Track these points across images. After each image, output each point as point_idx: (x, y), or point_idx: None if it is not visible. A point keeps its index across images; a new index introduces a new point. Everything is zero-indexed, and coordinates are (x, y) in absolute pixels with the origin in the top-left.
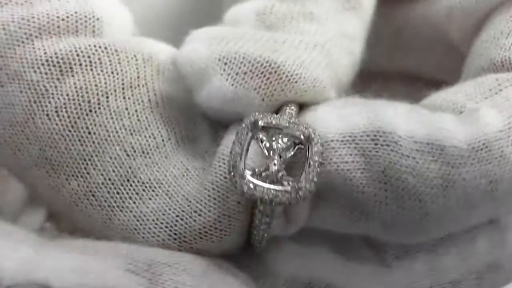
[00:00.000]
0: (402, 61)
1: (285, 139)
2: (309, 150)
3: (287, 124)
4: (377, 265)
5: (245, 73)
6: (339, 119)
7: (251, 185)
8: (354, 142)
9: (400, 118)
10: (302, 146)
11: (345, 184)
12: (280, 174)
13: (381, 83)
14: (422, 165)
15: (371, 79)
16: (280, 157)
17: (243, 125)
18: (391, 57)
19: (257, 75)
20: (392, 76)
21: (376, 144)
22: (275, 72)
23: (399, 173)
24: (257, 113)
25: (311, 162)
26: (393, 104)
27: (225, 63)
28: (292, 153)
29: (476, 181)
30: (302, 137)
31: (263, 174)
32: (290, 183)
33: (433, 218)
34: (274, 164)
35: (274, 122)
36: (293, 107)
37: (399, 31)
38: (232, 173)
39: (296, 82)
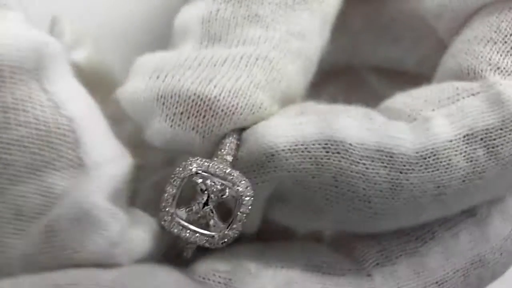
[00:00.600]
0: (388, 53)
1: (219, 183)
2: (239, 202)
3: (223, 175)
4: (357, 275)
5: (182, 113)
6: (291, 129)
7: (180, 227)
8: (306, 150)
9: (351, 126)
10: (234, 194)
11: (297, 186)
12: (208, 214)
13: (356, 76)
14: (372, 171)
15: (346, 71)
16: (211, 198)
17: (180, 169)
18: (377, 49)
19: (193, 115)
20: (371, 69)
21: (327, 152)
22: (210, 108)
23: (350, 178)
24: (195, 160)
25: (239, 214)
26: (346, 111)
27: (163, 103)
28: (224, 196)
29: (423, 186)
30: (235, 189)
31: (193, 210)
32: (217, 228)
33: (382, 216)
34: (204, 203)
35: (210, 170)
36: (233, 138)
37: (391, 23)
38: (162, 214)
39: (233, 113)
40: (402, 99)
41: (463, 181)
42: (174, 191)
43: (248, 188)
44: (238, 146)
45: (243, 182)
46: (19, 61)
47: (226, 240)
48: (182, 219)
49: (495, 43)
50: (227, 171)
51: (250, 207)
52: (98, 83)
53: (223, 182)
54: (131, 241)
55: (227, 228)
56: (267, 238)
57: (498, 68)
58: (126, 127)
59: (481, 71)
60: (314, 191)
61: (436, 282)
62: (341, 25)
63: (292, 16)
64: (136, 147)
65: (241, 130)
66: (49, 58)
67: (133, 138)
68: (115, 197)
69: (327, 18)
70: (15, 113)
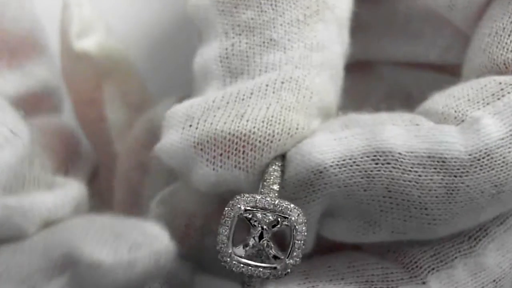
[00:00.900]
0: (410, 49)
1: (270, 215)
2: (294, 231)
3: (272, 207)
4: (410, 284)
5: (221, 154)
6: (337, 144)
7: (241, 266)
8: (355, 164)
9: (398, 134)
10: (288, 224)
11: (349, 201)
12: (265, 246)
13: (371, 69)
14: (425, 178)
15: (360, 65)
16: (265, 229)
17: (229, 209)
18: (398, 46)
19: (232, 153)
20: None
21: (376, 164)
22: (248, 143)
23: (403, 187)
24: (242, 197)
25: (296, 242)
26: (391, 120)
27: (201, 149)
28: (278, 228)
29: (480, 187)
30: (288, 219)
31: (250, 245)
32: (277, 259)
33: (440, 222)
34: (259, 237)
35: (259, 205)
36: (276, 166)
37: (407, 20)
38: (221, 255)
39: (271, 142)
40: (443, 101)
41: None
42: (227, 232)
43: (300, 215)
44: (283, 173)
45: (294, 210)
46: None
47: (288, 270)
48: (241, 257)
49: None
50: (276, 202)
51: (305, 234)
52: (113, 69)
53: (274, 214)
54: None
55: (287, 257)
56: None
57: None
58: (146, 116)
59: None
60: (367, 204)
61: (494, 280)
62: (354, 24)
63: (307, 31)
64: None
65: (283, 156)
66: None
67: (144, 136)
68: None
69: (343, 23)
70: None
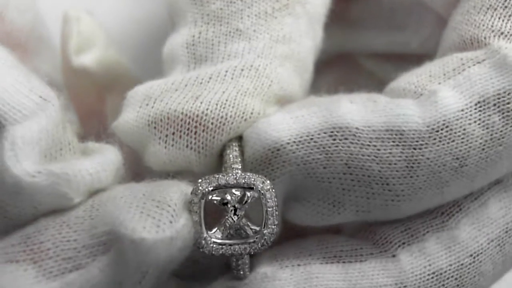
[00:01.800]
0: (392, 40)
1: (236, 189)
2: (264, 199)
3: (235, 182)
4: (380, 258)
5: (173, 133)
6: (293, 121)
7: (219, 247)
8: (312, 140)
9: (355, 109)
10: (256, 193)
11: (310, 179)
12: (241, 223)
13: (353, 63)
14: (384, 152)
15: (341, 60)
16: (237, 206)
17: (193, 194)
18: (380, 37)
19: (184, 133)
20: (368, 55)
21: (334, 140)
22: (200, 124)
23: (362, 162)
24: (204, 180)
25: (268, 209)
26: (348, 98)
27: (154, 127)
28: (248, 201)
29: (441, 159)
30: (255, 189)
31: (227, 227)
32: (253, 231)
33: (403, 198)
34: (232, 217)
35: (221, 182)
36: (234, 146)
37: (391, 12)
38: (197, 242)
39: (224, 124)
40: (406, 79)
41: (483, 149)
42: (197, 218)
43: (265, 182)
44: (242, 153)
45: (258, 179)
46: None
47: (265, 239)
48: (218, 239)
49: (495, 9)
50: (238, 176)
51: (276, 200)
52: (114, 82)
53: (240, 188)
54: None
55: (263, 227)
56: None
57: (502, 33)
58: None
59: (484, 38)
60: (329, 183)
61: (471, 255)
62: (337, 17)
63: (274, 24)
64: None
65: (240, 138)
66: None
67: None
68: (42, 152)
69: (315, 18)
70: None
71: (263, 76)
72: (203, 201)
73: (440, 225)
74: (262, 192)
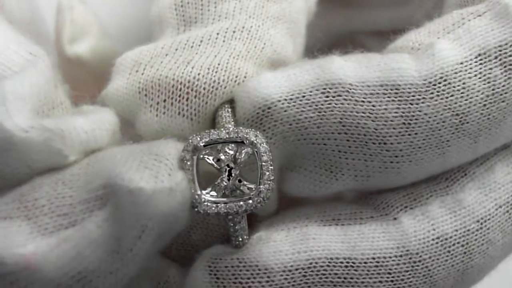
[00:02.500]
0: (396, 16)
1: (230, 148)
2: (257, 153)
3: (227, 136)
4: (381, 221)
5: (165, 100)
6: (284, 79)
7: (214, 206)
8: (304, 98)
9: (348, 66)
10: (250, 149)
11: (303, 141)
12: (236, 183)
13: (355, 43)
14: (379, 108)
15: (344, 41)
16: (231, 166)
17: (185, 151)
18: (384, 13)
19: (176, 99)
20: (370, 34)
21: (327, 97)
22: (192, 89)
23: (357, 119)
24: (195, 136)
25: (263, 164)
26: (341, 56)
27: (145, 95)
28: (242, 158)
29: (439, 115)
30: (247, 143)
31: (221, 187)
32: (250, 190)
33: (402, 159)
34: (228, 174)
35: (213, 137)
36: (226, 108)
37: None
38: (191, 201)
39: (216, 89)
40: (404, 37)
41: (484, 105)
42: (190, 176)
43: (258, 135)
44: (235, 117)
45: (251, 133)
46: None
47: (262, 195)
48: (212, 197)
49: None
50: (230, 130)
51: (270, 154)
52: (107, 72)
53: (233, 143)
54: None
55: (259, 183)
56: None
57: None
58: None
59: None
60: (323, 145)
61: (477, 221)
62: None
63: None
64: None
65: (233, 101)
66: None
67: None
68: (34, 109)
69: None
70: None
71: (255, 38)
72: (195, 157)
73: (444, 190)
74: (255, 145)
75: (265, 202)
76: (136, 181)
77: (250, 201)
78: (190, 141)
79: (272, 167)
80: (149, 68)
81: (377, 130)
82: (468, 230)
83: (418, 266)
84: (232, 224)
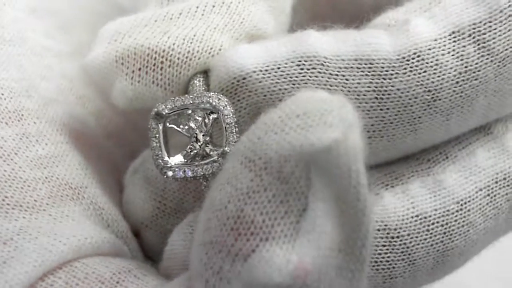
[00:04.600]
0: None
1: (199, 115)
2: (221, 115)
3: (191, 102)
4: None
5: (140, 68)
6: (260, 50)
7: (182, 170)
8: (280, 70)
9: (325, 40)
10: (216, 114)
11: None
12: (206, 149)
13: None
14: (353, 82)
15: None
16: (201, 133)
17: (151, 119)
18: None
19: (150, 68)
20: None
21: (302, 69)
22: (166, 59)
23: (330, 93)
24: (159, 104)
25: (227, 126)
26: (319, 31)
27: (122, 63)
28: (209, 123)
29: (411, 91)
30: (210, 106)
31: (191, 155)
32: (216, 153)
33: (374, 134)
34: (196, 141)
35: (178, 104)
36: (199, 77)
37: None
38: (159, 167)
39: (190, 59)
40: (382, 15)
41: (457, 82)
42: (156, 143)
43: (221, 99)
44: (208, 85)
45: (213, 96)
46: None
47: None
48: (180, 162)
49: None
50: (194, 96)
51: (234, 116)
52: None
53: (198, 109)
54: None
55: (224, 146)
56: None
57: None
58: None
59: None
60: None
61: (457, 202)
62: None
63: None
64: None
65: (206, 72)
66: None
67: None
68: None
69: None
70: None
71: (234, 13)
72: (161, 125)
73: (425, 171)
74: (218, 108)
75: None
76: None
77: (216, 164)
78: (155, 109)
79: (237, 129)
80: (127, 37)
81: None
82: (448, 211)
83: (396, 242)
84: (207, 190)
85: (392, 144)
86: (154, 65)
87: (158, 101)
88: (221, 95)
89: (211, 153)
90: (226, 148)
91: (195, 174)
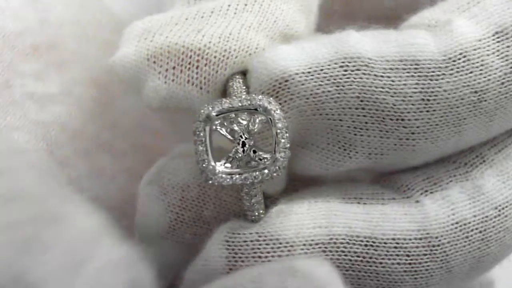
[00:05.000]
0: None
1: (243, 118)
2: (272, 120)
3: (240, 104)
4: (403, 203)
5: (174, 67)
6: (302, 52)
7: (229, 177)
8: (323, 72)
9: (366, 41)
10: (264, 117)
11: (319, 116)
12: (251, 154)
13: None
14: (399, 83)
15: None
16: (245, 137)
17: (197, 122)
18: None
19: (186, 67)
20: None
21: (345, 71)
22: (202, 57)
23: (376, 94)
24: (206, 106)
25: (278, 131)
26: (358, 31)
27: (154, 62)
28: (256, 127)
29: (458, 92)
30: (260, 110)
31: (236, 159)
32: (265, 159)
33: (419, 136)
34: (242, 145)
35: (226, 106)
36: (238, 78)
37: None
38: (205, 173)
39: (227, 58)
40: (418, 15)
41: (502, 83)
42: (203, 147)
43: (272, 102)
44: (246, 86)
45: (263, 99)
46: None
47: (278, 164)
48: (227, 169)
49: None
50: (243, 98)
51: (285, 121)
52: None
53: (246, 112)
54: None
55: (275, 152)
56: None
57: None
58: None
59: None
60: (339, 120)
61: (496, 208)
62: None
63: None
64: None
65: (243, 73)
66: None
67: None
68: None
69: None
70: None
71: (267, 12)
72: (208, 128)
73: (464, 175)
74: (269, 111)
75: (281, 171)
76: None
77: (266, 171)
78: (202, 111)
79: (287, 134)
80: (158, 35)
81: (396, 106)
82: (487, 217)
83: (436, 250)
84: (247, 198)
85: (435, 146)
86: (189, 63)
87: (193, 101)
88: (271, 98)
89: (256, 158)
90: (277, 155)
91: (244, 181)
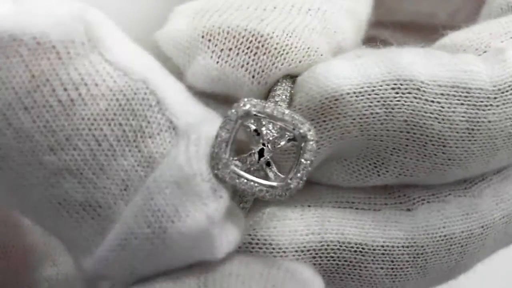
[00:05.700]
0: (419, 9)
1: (275, 128)
2: (303, 148)
3: (280, 117)
4: (394, 209)
5: (230, 49)
6: (354, 69)
7: (236, 177)
8: (374, 92)
9: (420, 62)
10: (296, 141)
11: (361, 138)
12: (264, 166)
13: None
14: (448, 109)
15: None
16: (268, 147)
17: (233, 111)
18: (407, 5)
19: (243, 51)
20: (403, 26)
21: (397, 93)
22: (262, 45)
23: (424, 119)
24: (249, 100)
25: (303, 161)
26: (408, 50)
27: (209, 40)
28: (282, 145)
29: (501, 124)
30: (297, 133)
31: (248, 161)
32: (277, 178)
33: (455, 163)
34: (259, 154)
35: (268, 111)
36: (287, 85)
37: None
38: (215, 161)
39: (287, 53)
40: (463, 35)
41: None
42: (227, 135)
43: (312, 131)
44: (292, 96)
45: (306, 124)
46: (68, 34)
47: (288, 191)
48: (238, 168)
49: None
50: (286, 112)
51: (315, 154)
52: None
53: (281, 125)
54: (227, 231)
55: (290, 178)
56: None
57: None
58: None
59: None
60: (380, 141)
61: (482, 226)
62: None
63: None
64: None
65: (294, 78)
66: (96, 26)
67: None
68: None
69: None
70: (87, 88)
71: (329, 21)
72: (240, 121)
73: (462, 191)
74: (305, 139)
75: (286, 197)
76: None
77: (273, 190)
78: (243, 104)
79: (310, 169)
80: (216, 16)
81: (441, 132)
82: (472, 234)
83: (419, 258)
84: (239, 198)
85: (465, 172)
86: (248, 48)
87: (242, 88)
88: (313, 127)
89: (268, 171)
90: (289, 181)
91: (246, 187)
